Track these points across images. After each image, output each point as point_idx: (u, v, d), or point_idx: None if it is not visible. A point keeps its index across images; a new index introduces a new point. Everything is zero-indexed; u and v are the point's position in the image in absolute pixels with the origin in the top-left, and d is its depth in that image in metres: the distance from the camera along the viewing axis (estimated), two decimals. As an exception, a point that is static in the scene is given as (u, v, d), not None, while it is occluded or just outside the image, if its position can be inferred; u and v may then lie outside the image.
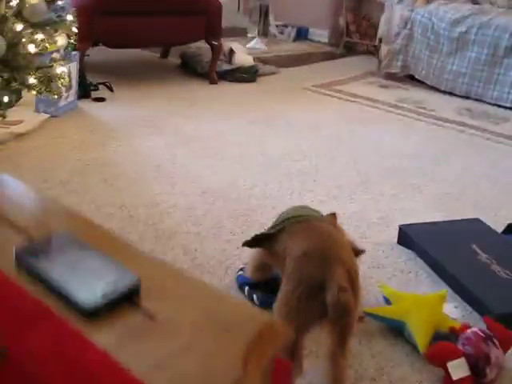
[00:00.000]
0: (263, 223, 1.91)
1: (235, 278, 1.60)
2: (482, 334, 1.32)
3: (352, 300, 1.09)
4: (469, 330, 1.34)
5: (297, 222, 1.31)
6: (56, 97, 2.55)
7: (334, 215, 1.49)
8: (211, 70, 3.45)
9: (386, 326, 1.46)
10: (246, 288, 1.54)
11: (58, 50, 2.62)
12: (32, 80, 2.53)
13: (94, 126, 2.67)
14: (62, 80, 2.45)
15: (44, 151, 2.36)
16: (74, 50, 2.78)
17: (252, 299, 1.52)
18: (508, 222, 2.03)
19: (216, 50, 3.40)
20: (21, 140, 2.48)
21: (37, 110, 2.73)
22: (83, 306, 0.66)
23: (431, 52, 3.60)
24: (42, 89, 2.57)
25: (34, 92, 2.52)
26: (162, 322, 0.66)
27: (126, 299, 0.68)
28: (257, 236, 1.39)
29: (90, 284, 0.68)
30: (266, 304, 1.46)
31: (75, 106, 2.88)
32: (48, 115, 2.72)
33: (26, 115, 2.66)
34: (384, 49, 3.76)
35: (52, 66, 2.46)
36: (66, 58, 2.52)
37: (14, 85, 2.47)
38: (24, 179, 2.08)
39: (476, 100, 3.42)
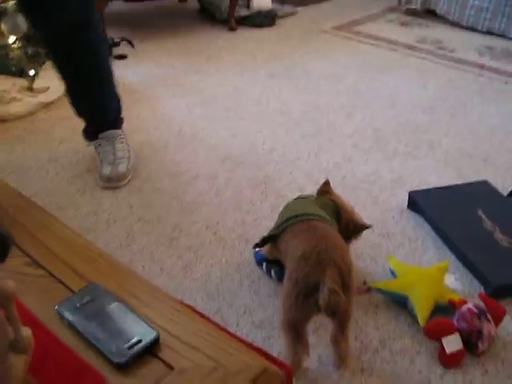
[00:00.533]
0: (280, 191, 2.03)
1: (253, 254, 1.74)
2: (476, 310, 1.44)
3: (342, 300, 1.23)
4: (464, 307, 1.46)
5: (299, 221, 1.44)
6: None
7: (327, 184, 1.65)
8: (230, 16, 3.45)
9: (392, 299, 1.59)
10: (264, 264, 1.68)
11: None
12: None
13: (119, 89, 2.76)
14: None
15: (73, 121, 2.44)
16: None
17: (270, 274, 1.66)
18: (518, 179, 2.11)
19: (233, -5, 3.38)
20: (49, 109, 2.59)
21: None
22: (113, 359, 0.79)
23: (453, -14, 3.52)
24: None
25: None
26: (179, 371, 0.79)
27: (148, 351, 0.82)
28: (264, 238, 1.54)
29: (119, 338, 0.82)
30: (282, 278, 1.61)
31: (99, 65, 2.95)
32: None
33: (51, 81, 2.72)
34: (404, -17, 3.69)
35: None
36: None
37: (39, 59, 2.57)
38: (56, 152, 2.24)
39: (499, 36, 3.37)
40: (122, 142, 2.15)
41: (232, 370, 0.78)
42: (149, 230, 1.85)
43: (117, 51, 3.14)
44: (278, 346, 1.45)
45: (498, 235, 1.76)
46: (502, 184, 2.05)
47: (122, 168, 2.09)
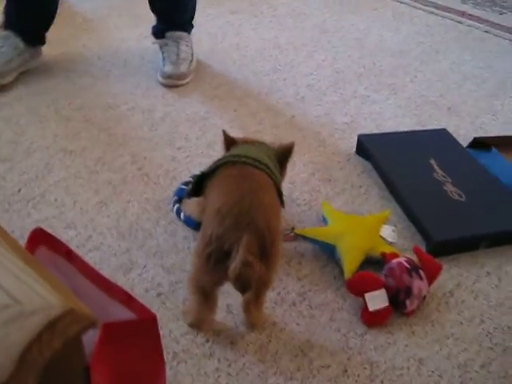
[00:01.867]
0: (219, 128, 1.84)
1: (175, 189, 1.57)
2: (407, 265, 1.29)
3: (255, 273, 1.03)
4: (394, 261, 1.31)
5: (230, 163, 1.23)
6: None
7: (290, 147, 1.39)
8: None
9: (320, 249, 1.44)
10: (176, 206, 1.51)
11: None
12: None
13: (69, 17, 2.52)
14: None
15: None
16: None
17: (179, 217, 1.50)
18: (483, 131, 1.93)
19: None
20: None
21: None
22: None
23: None
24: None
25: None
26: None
27: None
28: (196, 179, 1.30)
29: None
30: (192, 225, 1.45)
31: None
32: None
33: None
34: None
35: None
36: None
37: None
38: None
39: (485, -16, 3.14)
40: (187, 46, 2.15)
41: (28, 309, 0.62)
42: (69, 162, 1.69)
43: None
44: (185, 293, 1.29)
45: (449, 187, 1.59)
46: (465, 135, 1.87)
47: (183, 68, 2.09)
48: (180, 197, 1.51)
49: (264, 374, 1.16)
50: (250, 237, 1.04)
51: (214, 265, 1.08)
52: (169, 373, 1.14)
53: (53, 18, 2.11)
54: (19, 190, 1.58)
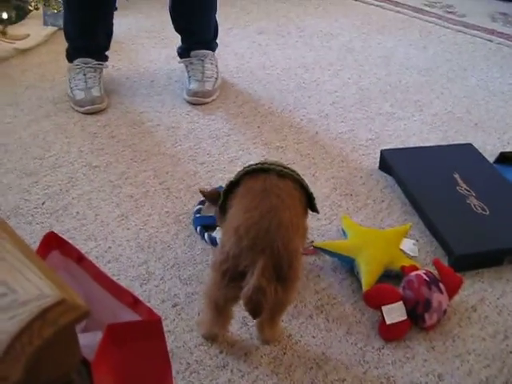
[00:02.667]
0: (242, 144, 1.86)
1: (192, 219, 1.55)
2: (426, 278, 1.26)
3: (267, 300, 1.00)
4: (413, 273, 1.28)
5: (255, 173, 1.19)
6: (55, 11, 2.51)
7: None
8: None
9: (340, 262, 1.42)
10: (199, 228, 1.50)
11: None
12: (30, -5, 2.50)
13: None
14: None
15: (46, 68, 2.33)
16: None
17: (203, 237, 1.49)
18: (511, 146, 1.90)
19: None
20: (25, 56, 2.45)
21: (45, 23, 2.67)
22: None
23: None
24: (41, 4, 2.53)
25: (31, 8, 2.49)
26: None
27: None
28: (224, 190, 1.26)
29: None
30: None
31: (85, 15, 2.81)
32: (56, 28, 2.65)
33: (33, 29, 2.61)
34: None
35: (51, -22, 2.40)
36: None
37: (13, 1, 2.44)
38: (19, 97, 2.11)
39: (516, 2, 3.12)
40: (212, 64, 2.18)
41: (22, 299, 0.63)
42: (93, 177, 1.71)
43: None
44: (200, 304, 1.29)
45: (473, 201, 1.56)
46: (492, 150, 1.84)
47: (208, 85, 2.12)
48: (199, 225, 1.51)
49: (277, 386, 1.14)
50: (265, 261, 1.01)
51: (229, 282, 1.05)
52: (181, 383, 1.13)
53: (111, 34, 2.17)
54: (43, 203, 1.60)
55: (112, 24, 2.14)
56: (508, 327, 1.29)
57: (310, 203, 1.26)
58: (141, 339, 0.88)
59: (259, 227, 1.04)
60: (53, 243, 1.04)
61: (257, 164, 1.22)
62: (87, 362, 0.81)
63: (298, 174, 1.22)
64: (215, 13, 2.18)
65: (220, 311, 1.16)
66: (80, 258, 1.03)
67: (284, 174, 1.18)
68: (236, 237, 1.05)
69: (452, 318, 1.30)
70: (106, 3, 2.07)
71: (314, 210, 1.28)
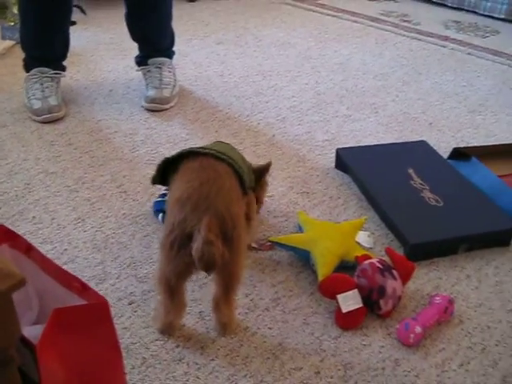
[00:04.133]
0: (201, 149, 1.86)
1: (153, 203, 1.58)
2: (380, 265, 1.27)
3: (218, 252, 1.03)
4: (366, 261, 1.29)
5: (192, 155, 1.24)
6: (12, 24, 2.50)
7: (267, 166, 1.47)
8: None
9: (297, 256, 1.42)
10: (160, 215, 1.52)
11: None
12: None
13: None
14: (16, 6, 2.39)
15: (3, 80, 2.32)
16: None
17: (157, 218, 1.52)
18: (464, 143, 1.94)
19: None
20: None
21: (3, 37, 2.66)
22: None
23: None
24: (-3, 16, 2.53)
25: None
26: None
27: None
28: (159, 165, 1.31)
29: None
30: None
31: (43, 29, 2.80)
32: (14, 42, 2.64)
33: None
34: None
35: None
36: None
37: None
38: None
39: (468, 12, 3.20)
40: (170, 72, 2.20)
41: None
42: (50, 182, 1.70)
43: (67, 18, 2.98)
44: (156, 301, 1.28)
45: (427, 194, 1.58)
46: (446, 147, 1.88)
47: (166, 92, 2.13)
48: (158, 209, 1.52)
49: (234, 377, 1.13)
50: (210, 218, 1.05)
51: (178, 251, 1.07)
52: (136, 377, 1.12)
53: (68, 44, 2.17)
54: (-2, 210, 1.58)
55: (68, 33, 2.14)
56: (462, 312, 1.30)
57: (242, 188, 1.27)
58: (88, 324, 0.87)
59: (200, 193, 1.10)
60: (1, 237, 1.03)
61: (196, 148, 1.27)
62: (33, 347, 0.80)
63: (231, 159, 1.25)
64: (171, 21, 2.20)
65: (173, 292, 1.15)
66: (28, 249, 1.02)
67: (219, 157, 1.23)
68: (179, 205, 1.10)
69: (408, 305, 1.32)
70: (62, 13, 2.07)
71: (245, 193, 1.29)
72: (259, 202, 1.51)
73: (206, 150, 1.24)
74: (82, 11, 3.06)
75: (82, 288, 0.92)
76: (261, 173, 1.46)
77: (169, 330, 1.20)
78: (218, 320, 1.21)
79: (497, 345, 1.24)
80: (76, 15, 3.01)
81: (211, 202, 1.08)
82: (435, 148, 1.83)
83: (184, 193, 1.12)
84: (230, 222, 1.08)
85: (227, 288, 1.15)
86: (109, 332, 0.89)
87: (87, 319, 0.86)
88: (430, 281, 1.38)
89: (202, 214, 1.06)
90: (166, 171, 1.30)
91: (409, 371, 1.16)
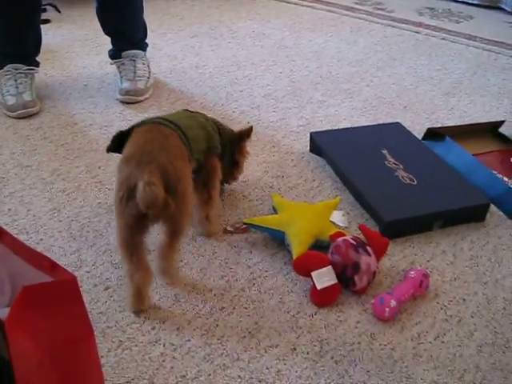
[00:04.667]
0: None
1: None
2: (353, 242, 1.28)
3: (161, 193, 1.08)
4: (340, 238, 1.30)
5: (143, 124, 1.28)
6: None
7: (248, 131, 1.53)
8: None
9: (272, 237, 1.43)
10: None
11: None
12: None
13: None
14: None
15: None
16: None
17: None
18: (439, 125, 1.95)
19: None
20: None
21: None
22: None
23: None
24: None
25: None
26: None
27: None
28: (113, 137, 1.32)
29: None
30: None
31: (17, 27, 2.79)
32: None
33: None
34: None
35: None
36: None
37: None
38: None
39: (442, -2, 3.23)
40: (144, 64, 2.20)
41: None
42: (25, 176, 1.69)
43: (42, 16, 2.96)
44: (132, 285, 1.28)
45: (401, 173, 1.59)
46: (420, 129, 1.89)
47: (140, 84, 2.12)
48: None
49: (210, 356, 1.13)
50: (152, 167, 1.11)
51: (126, 204, 1.12)
52: (113, 360, 1.12)
53: (40, 39, 2.15)
54: (-27, 203, 1.57)
55: (40, 29, 2.13)
56: (438, 286, 1.32)
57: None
58: (57, 301, 0.86)
59: (143, 150, 1.16)
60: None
61: (148, 119, 1.32)
62: (1, 323, 0.80)
63: (177, 126, 1.27)
64: (142, 13, 2.20)
65: (131, 251, 1.17)
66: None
67: (166, 124, 1.26)
68: (125, 162, 1.16)
69: (383, 281, 1.33)
70: (31, 8, 2.05)
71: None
72: (239, 167, 1.55)
73: (155, 119, 1.29)
74: (57, 9, 3.04)
75: (52, 267, 0.92)
76: (240, 137, 1.52)
77: (138, 301, 1.21)
78: (159, 266, 1.22)
79: (472, 316, 1.25)
80: (51, 13, 3.02)
81: (154, 157, 1.14)
82: (410, 129, 1.84)
83: (130, 152, 1.18)
84: (174, 174, 1.14)
85: (171, 235, 1.19)
86: (79, 309, 0.88)
87: (56, 296, 0.86)
88: (406, 257, 1.39)
89: (145, 166, 1.11)
90: (121, 143, 1.30)
91: (385, 345, 1.17)
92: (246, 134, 1.53)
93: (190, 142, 1.27)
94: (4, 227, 1.45)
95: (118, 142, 1.29)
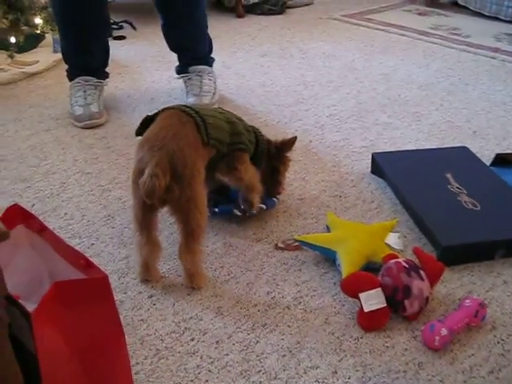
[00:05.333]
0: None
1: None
2: (405, 265, 1.21)
3: (161, 184, 1.14)
4: (392, 260, 1.24)
5: (167, 110, 1.32)
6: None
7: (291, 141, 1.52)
8: (237, 3, 3.34)
9: (323, 256, 1.38)
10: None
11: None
12: (37, 20, 2.58)
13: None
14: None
15: (51, 90, 2.39)
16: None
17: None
18: (510, 151, 1.85)
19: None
20: (33, 79, 2.52)
21: (54, 51, 2.75)
22: None
23: (474, -28, 3.28)
24: (48, 29, 2.61)
25: (38, 31, 2.57)
26: None
27: None
28: (142, 121, 1.36)
29: None
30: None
31: (94, 43, 2.88)
32: (65, 54, 2.73)
33: (43, 56, 2.68)
34: (425, -28, 3.48)
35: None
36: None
37: (21, 26, 2.53)
38: (22, 115, 2.16)
39: (522, 25, 3.11)
40: (210, 80, 2.22)
41: None
42: (84, 182, 1.72)
43: (118, 33, 3.06)
44: (177, 296, 1.28)
45: (464, 198, 1.52)
46: (489, 155, 1.80)
47: (205, 99, 2.15)
48: None
49: (247, 372, 1.10)
50: (161, 155, 1.17)
51: (137, 185, 1.18)
52: (148, 368, 1.10)
53: (108, 52, 2.22)
54: (33, 205, 1.61)
55: (107, 41, 2.19)
56: (496, 318, 1.23)
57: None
58: (88, 298, 0.86)
59: (157, 135, 1.22)
60: (17, 217, 1.04)
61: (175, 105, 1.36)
62: (29, 316, 0.80)
63: (197, 113, 1.30)
64: (206, 29, 2.24)
65: (142, 226, 1.26)
66: (42, 229, 1.03)
67: (186, 111, 1.30)
68: (140, 146, 1.23)
69: (437, 309, 1.25)
70: (99, 22, 2.12)
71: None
72: (281, 178, 1.55)
73: (179, 106, 1.33)
74: (132, 27, 3.14)
75: (87, 265, 0.92)
76: (283, 147, 1.51)
77: (145, 271, 1.30)
78: (184, 270, 1.29)
79: (532, 353, 1.16)
80: (126, 30, 3.12)
81: (166, 143, 1.19)
82: (478, 155, 1.76)
83: (146, 136, 1.25)
84: (182, 160, 1.19)
85: (187, 234, 1.24)
86: (109, 308, 0.88)
87: (87, 294, 0.86)
88: (463, 285, 1.31)
89: (155, 152, 1.18)
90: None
91: (433, 375, 1.10)
92: (288, 144, 1.52)
93: (207, 127, 1.29)
94: (58, 230, 1.50)
95: (145, 126, 1.33)
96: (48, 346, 0.80)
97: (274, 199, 1.55)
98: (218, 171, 1.41)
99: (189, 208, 1.21)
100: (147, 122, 1.33)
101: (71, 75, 2.18)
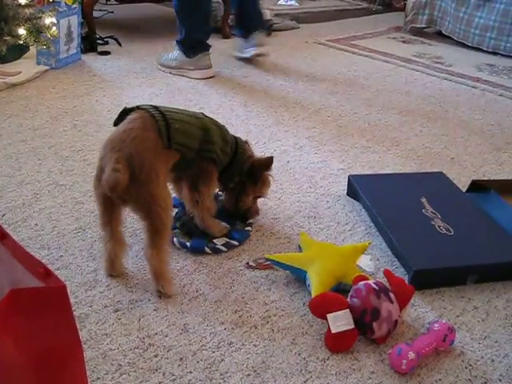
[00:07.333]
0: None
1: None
2: (375, 287, 1.20)
3: (123, 179, 1.18)
4: (361, 282, 1.22)
5: (138, 109, 1.35)
6: (45, 47, 2.56)
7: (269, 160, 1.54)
8: (223, 24, 3.36)
9: (294, 276, 1.37)
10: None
11: (52, 2, 2.63)
12: (21, 31, 2.56)
13: (88, 78, 2.65)
14: (50, 31, 2.45)
15: (31, 101, 2.37)
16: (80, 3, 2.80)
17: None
18: (486, 178, 1.86)
19: (228, 4, 3.32)
20: (14, 90, 2.50)
21: (38, 62, 2.74)
22: None
23: (458, 5, 3.33)
24: (32, 40, 2.60)
25: (21, 42, 2.55)
26: None
27: None
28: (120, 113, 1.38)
29: None
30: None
31: (78, 58, 2.87)
32: (48, 67, 2.72)
33: (26, 67, 2.67)
34: (409, 2, 3.52)
35: (40, 17, 2.46)
36: (54, 9, 2.51)
37: (4, 36, 2.51)
38: (0, 125, 2.13)
39: (504, 56, 3.14)
40: None
41: None
42: (57, 194, 1.70)
43: (103, 48, 3.06)
44: (142, 311, 1.24)
45: (438, 222, 1.51)
46: (465, 182, 1.80)
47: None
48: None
49: (210, 391, 1.07)
50: (120, 155, 1.22)
51: (98, 182, 1.25)
52: (109, 383, 1.07)
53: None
54: (3, 215, 1.58)
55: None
56: (465, 343, 1.22)
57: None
58: (45, 308, 0.83)
59: (119, 138, 1.27)
60: (-22, 224, 1.02)
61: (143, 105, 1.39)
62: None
63: (165, 121, 1.32)
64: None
65: (105, 222, 1.32)
66: (2, 236, 1.00)
67: (152, 113, 1.32)
68: (104, 145, 1.28)
69: (406, 333, 1.24)
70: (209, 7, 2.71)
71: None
72: (258, 195, 1.57)
73: (149, 108, 1.35)
74: (118, 43, 3.14)
75: (45, 273, 0.89)
76: (260, 168, 1.52)
77: (110, 266, 1.34)
78: (150, 269, 1.30)
79: (500, 379, 1.15)
80: (112, 46, 3.11)
81: (125, 145, 1.24)
82: (455, 182, 1.76)
83: (111, 136, 1.30)
84: (139, 164, 1.22)
85: (152, 231, 1.26)
86: (67, 318, 0.85)
87: (44, 303, 0.83)
88: (434, 309, 1.31)
89: (115, 153, 1.23)
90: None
91: (399, 399, 1.08)
92: (265, 165, 1.52)
93: (169, 132, 1.31)
94: (27, 241, 1.47)
95: (122, 119, 1.35)
96: (1, 354, 0.78)
97: (248, 229, 1.53)
98: (184, 181, 1.45)
99: (149, 207, 1.25)
100: (125, 113, 1.36)
101: (196, 50, 2.67)
